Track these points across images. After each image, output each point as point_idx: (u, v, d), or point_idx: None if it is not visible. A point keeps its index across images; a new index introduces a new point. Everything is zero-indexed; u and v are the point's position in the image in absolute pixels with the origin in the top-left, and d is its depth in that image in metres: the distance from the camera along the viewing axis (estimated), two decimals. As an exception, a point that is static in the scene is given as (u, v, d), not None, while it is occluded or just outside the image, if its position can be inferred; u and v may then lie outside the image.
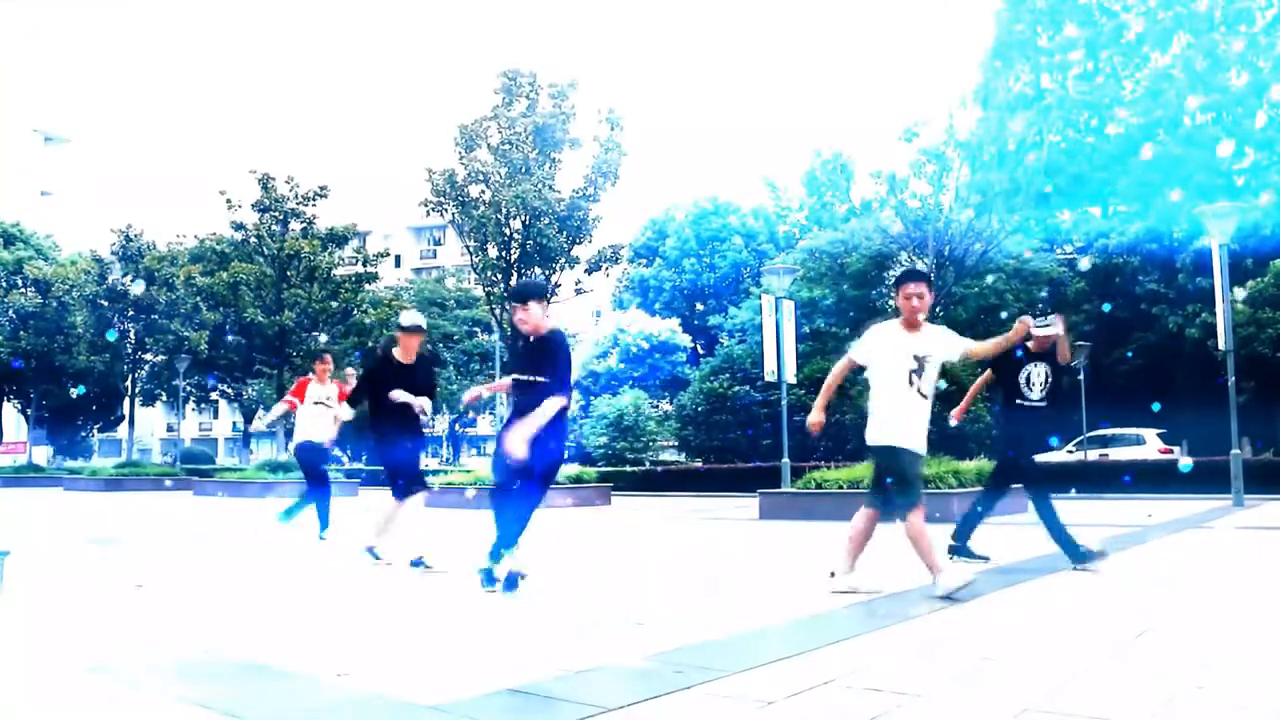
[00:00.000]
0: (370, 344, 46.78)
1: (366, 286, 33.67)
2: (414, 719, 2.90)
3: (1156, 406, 16.12)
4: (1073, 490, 16.08)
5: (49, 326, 41.03)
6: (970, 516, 7.24)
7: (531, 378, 5.34)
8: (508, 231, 23.41)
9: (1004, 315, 32.48)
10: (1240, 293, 26.41)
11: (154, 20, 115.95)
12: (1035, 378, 6.86)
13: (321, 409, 9.36)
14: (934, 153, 19.13)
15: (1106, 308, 28.08)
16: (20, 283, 42.94)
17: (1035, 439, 7.08)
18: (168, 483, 29.26)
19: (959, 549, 7.10)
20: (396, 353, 7.06)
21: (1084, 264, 31.82)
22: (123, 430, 48.54)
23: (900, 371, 5.32)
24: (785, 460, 17.16)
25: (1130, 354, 29.33)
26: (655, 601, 5.48)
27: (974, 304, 32.86)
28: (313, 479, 9.44)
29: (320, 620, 4.94)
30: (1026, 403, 6.85)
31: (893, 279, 37.14)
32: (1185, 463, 16.45)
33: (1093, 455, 26.18)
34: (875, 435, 5.40)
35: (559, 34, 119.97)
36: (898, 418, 5.33)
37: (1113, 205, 34.40)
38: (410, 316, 7.30)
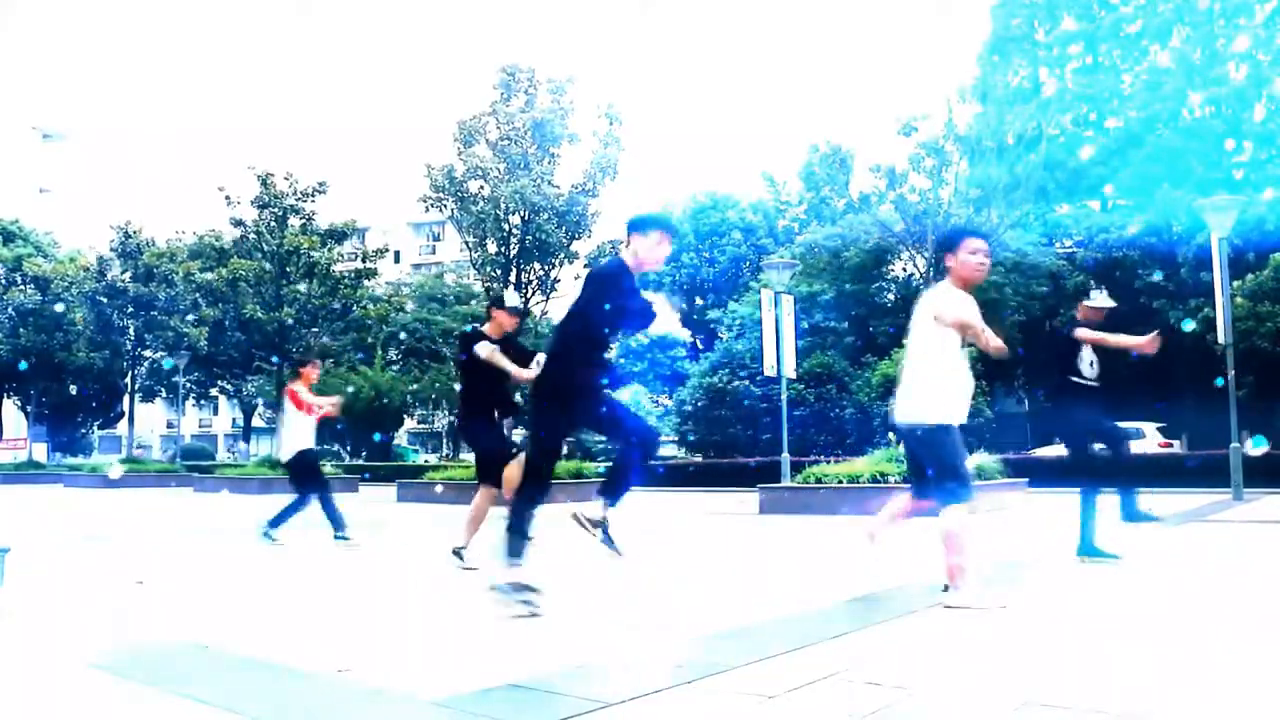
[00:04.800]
0: (370, 340, 46.86)
1: (366, 283, 33.64)
2: (415, 714, 2.91)
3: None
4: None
5: (48, 323, 41.04)
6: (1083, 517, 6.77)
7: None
8: (507, 227, 23.40)
9: (1009, 312, 32.53)
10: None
11: (152, 16, 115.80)
12: (1085, 355, 6.70)
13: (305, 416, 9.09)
14: (933, 147, 19.11)
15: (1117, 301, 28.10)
16: (19, 280, 42.93)
17: (1088, 419, 6.70)
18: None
19: (1087, 550, 6.67)
20: (488, 328, 6.61)
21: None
22: (122, 427, 48.55)
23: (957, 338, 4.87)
24: (785, 455, 17.16)
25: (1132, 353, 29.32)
26: (655, 597, 5.48)
27: (974, 298, 32.80)
28: (311, 484, 9.16)
29: (320, 616, 4.95)
30: (1081, 381, 6.66)
31: (892, 274, 37.27)
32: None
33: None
34: (932, 412, 4.71)
35: (558, 29, 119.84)
36: (956, 390, 4.76)
37: (1112, 199, 34.38)
38: (511, 297, 7.00)
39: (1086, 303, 6.83)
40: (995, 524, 7.69)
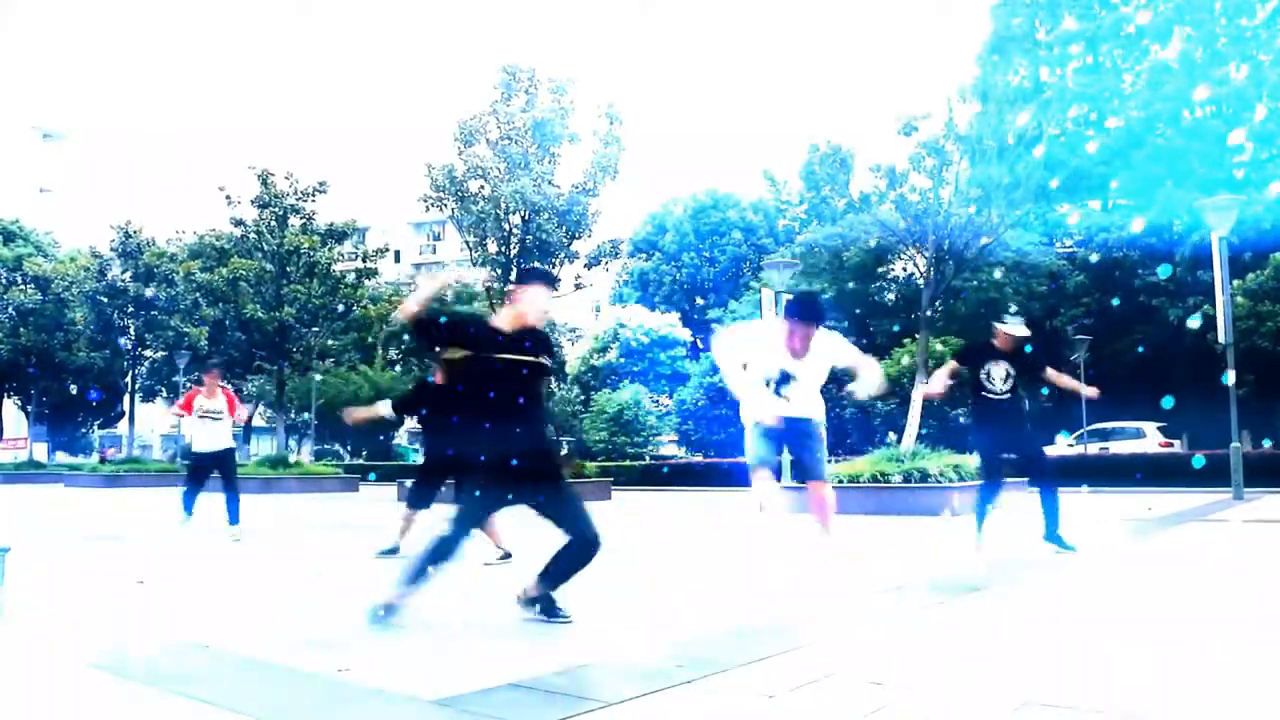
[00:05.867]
0: (370, 339, 46.75)
1: (366, 282, 33.62)
2: (416, 714, 2.91)
3: (1168, 402, 16.12)
4: (1085, 486, 16.05)
5: (49, 323, 41.04)
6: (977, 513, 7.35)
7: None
8: (507, 227, 23.42)
9: (1011, 309, 32.52)
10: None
11: (152, 16, 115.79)
12: (995, 372, 7.08)
13: (210, 420, 9.79)
14: (933, 146, 19.05)
15: (1115, 301, 28.14)
16: (20, 279, 42.94)
17: (999, 429, 7.17)
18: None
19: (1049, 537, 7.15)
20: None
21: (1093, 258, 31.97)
22: (123, 427, 48.56)
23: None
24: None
25: (1131, 349, 29.37)
26: (656, 596, 5.48)
27: (974, 298, 32.83)
28: (211, 480, 9.90)
29: (320, 616, 4.95)
30: (990, 395, 7.09)
31: (892, 274, 37.28)
32: (1198, 456, 16.51)
33: (1093, 449, 26.19)
34: None
35: (558, 29, 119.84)
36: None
37: (1113, 199, 34.36)
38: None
39: (1002, 328, 7.13)
40: (994, 524, 7.72)
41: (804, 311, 5.31)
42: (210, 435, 9.81)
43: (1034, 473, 7.33)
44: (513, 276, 23.84)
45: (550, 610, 4.43)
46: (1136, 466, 19.86)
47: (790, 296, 5.69)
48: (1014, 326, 7.07)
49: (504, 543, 7.16)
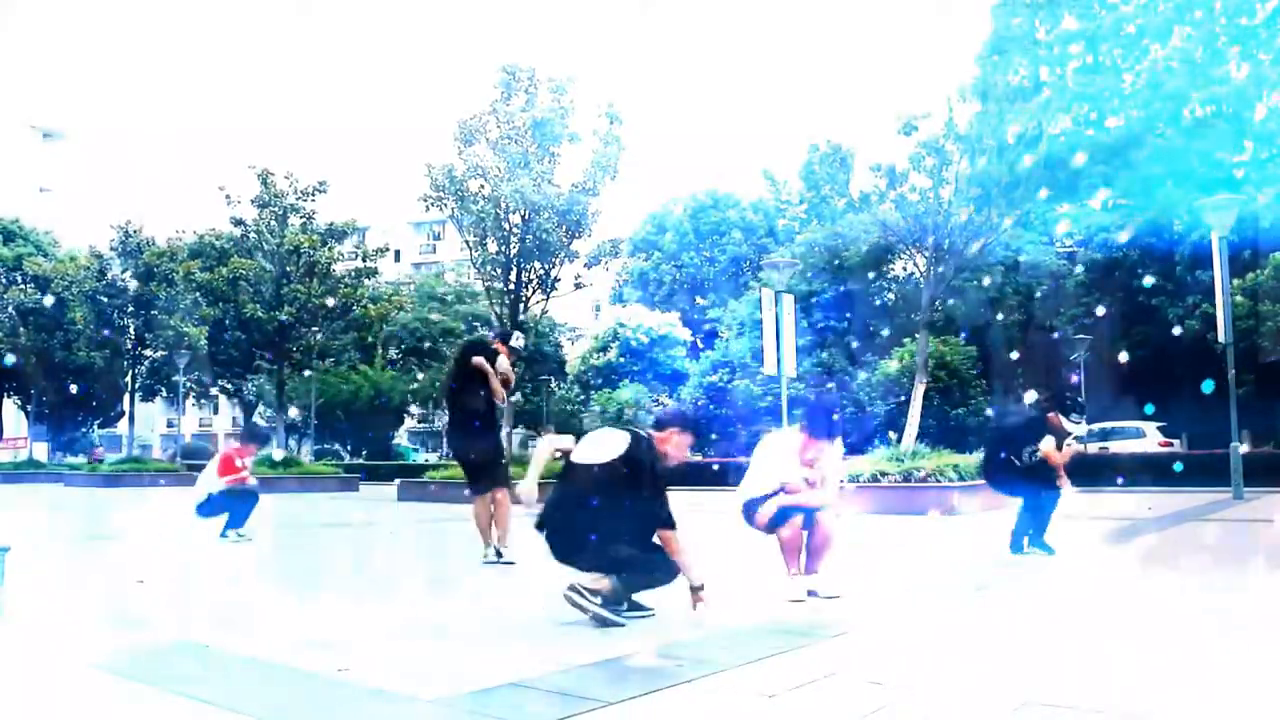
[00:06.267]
0: (370, 339, 46.73)
1: (366, 282, 33.58)
2: (415, 714, 2.91)
3: (1149, 409, 16.34)
4: (1071, 486, 16.05)
5: (49, 323, 41.01)
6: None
7: None
8: (507, 226, 23.37)
9: (999, 316, 32.59)
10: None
11: (151, 15, 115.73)
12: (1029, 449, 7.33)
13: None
14: (933, 146, 18.99)
15: (1099, 310, 28.27)
16: (19, 279, 42.91)
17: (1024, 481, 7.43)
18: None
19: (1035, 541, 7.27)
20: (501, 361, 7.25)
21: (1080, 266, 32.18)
22: (123, 426, 48.52)
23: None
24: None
25: (1131, 349, 29.39)
26: (655, 597, 5.48)
27: (974, 298, 32.83)
28: (239, 499, 9.94)
29: (320, 617, 4.95)
30: (1016, 461, 7.34)
31: (892, 273, 37.29)
32: (1178, 463, 16.71)
33: (1093, 448, 26.19)
34: None
35: (558, 29, 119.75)
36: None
37: (1113, 199, 34.35)
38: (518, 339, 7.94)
39: (1065, 422, 7.32)
40: (994, 523, 7.72)
41: (820, 428, 5.49)
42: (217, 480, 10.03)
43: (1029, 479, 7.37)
44: (512, 276, 23.81)
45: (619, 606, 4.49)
46: (1136, 466, 19.87)
47: (810, 408, 5.84)
48: (1074, 427, 7.35)
49: (494, 541, 7.09)
